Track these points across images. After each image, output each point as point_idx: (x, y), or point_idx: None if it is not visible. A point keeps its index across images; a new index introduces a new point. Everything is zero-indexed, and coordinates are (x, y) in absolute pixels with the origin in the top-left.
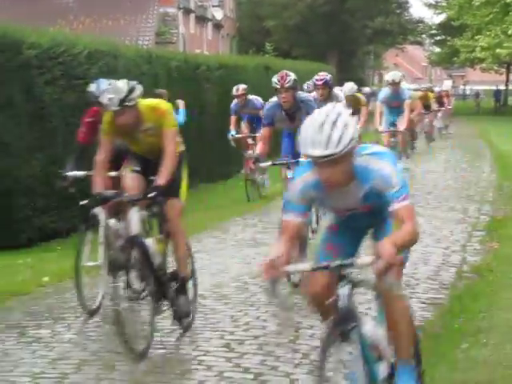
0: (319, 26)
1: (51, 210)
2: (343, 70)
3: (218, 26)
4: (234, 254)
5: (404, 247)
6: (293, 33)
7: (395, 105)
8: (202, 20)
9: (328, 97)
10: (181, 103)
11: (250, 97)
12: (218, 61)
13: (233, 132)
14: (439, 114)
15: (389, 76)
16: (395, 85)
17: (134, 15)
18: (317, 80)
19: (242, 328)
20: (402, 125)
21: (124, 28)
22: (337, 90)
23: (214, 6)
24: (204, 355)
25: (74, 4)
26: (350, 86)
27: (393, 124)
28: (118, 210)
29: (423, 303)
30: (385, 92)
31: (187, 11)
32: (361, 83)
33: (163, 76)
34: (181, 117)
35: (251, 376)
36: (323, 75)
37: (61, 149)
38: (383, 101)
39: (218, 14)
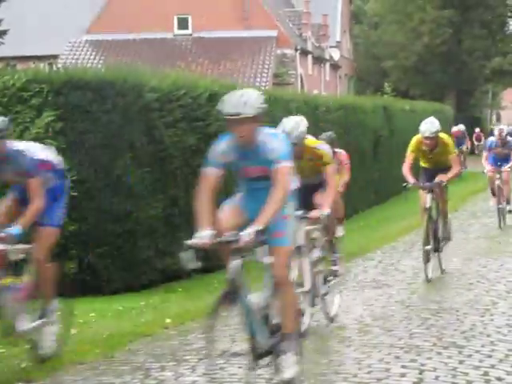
0: (436, 66)
1: (172, 251)
2: (461, 109)
3: (335, 66)
4: (355, 295)
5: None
6: (410, 73)
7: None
8: (319, 61)
9: None
10: None
11: None
12: (337, 101)
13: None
14: None
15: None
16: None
17: (252, 57)
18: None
19: (364, 370)
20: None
21: (241, 69)
22: None
23: (331, 47)
24: None
25: (192, 46)
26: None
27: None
28: None
29: None
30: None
31: (305, 52)
32: (477, 122)
33: (282, 117)
34: None
35: None
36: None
37: (182, 190)
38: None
39: (336, 55)
